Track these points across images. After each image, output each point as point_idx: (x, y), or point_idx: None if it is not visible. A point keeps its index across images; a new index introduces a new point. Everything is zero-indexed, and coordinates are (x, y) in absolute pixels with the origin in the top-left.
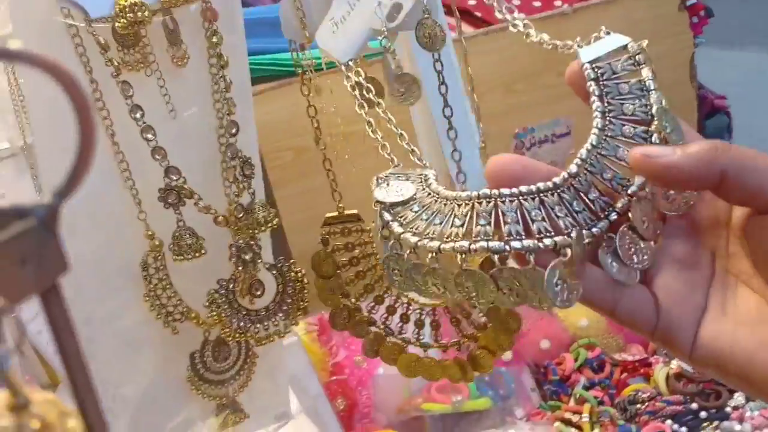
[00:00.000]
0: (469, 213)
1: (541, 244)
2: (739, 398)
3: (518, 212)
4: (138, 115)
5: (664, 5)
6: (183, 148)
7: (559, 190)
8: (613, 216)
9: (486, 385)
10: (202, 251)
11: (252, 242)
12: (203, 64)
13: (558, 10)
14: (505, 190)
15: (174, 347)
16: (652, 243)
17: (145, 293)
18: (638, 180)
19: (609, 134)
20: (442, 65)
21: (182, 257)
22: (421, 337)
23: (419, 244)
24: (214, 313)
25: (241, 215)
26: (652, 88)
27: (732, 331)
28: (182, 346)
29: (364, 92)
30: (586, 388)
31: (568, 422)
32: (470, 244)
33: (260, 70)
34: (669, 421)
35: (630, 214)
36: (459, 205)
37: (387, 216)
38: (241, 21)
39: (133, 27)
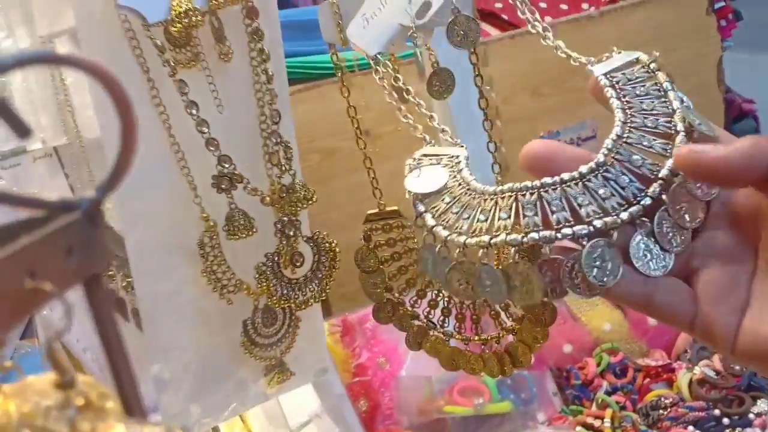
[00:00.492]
0: (493, 209)
1: (559, 234)
2: (762, 405)
3: (538, 205)
4: (194, 111)
5: (691, 8)
6: (231, 136)
7: (584, 180)
8: (647, 201)
9: (508, 389)
10: (254, 230)
11: (294, 218)
12: (245, 58)
13: (585, 13)
14: (528, 183)
15: (228, 317)
16: (688, 228)
17: (203, 269)
18: (669, 164)
19: (632, 125)
20: (477, 57)
21: (236, 236)
22: (462, 331)
23: (449, 238)
24: (263, 284)
25: (284, 195)
26: (669, 88)
27: None
28: (235, 315)
29: (393, 82)
30: (609, 393)
31: (589, 427)
32: (491, 239)
33: (292, 72)
34: (691, 428)
35: (665, 197)
36: (485, 200)
37: (420, 207)
38: (276, 17)
39: (187, 30)
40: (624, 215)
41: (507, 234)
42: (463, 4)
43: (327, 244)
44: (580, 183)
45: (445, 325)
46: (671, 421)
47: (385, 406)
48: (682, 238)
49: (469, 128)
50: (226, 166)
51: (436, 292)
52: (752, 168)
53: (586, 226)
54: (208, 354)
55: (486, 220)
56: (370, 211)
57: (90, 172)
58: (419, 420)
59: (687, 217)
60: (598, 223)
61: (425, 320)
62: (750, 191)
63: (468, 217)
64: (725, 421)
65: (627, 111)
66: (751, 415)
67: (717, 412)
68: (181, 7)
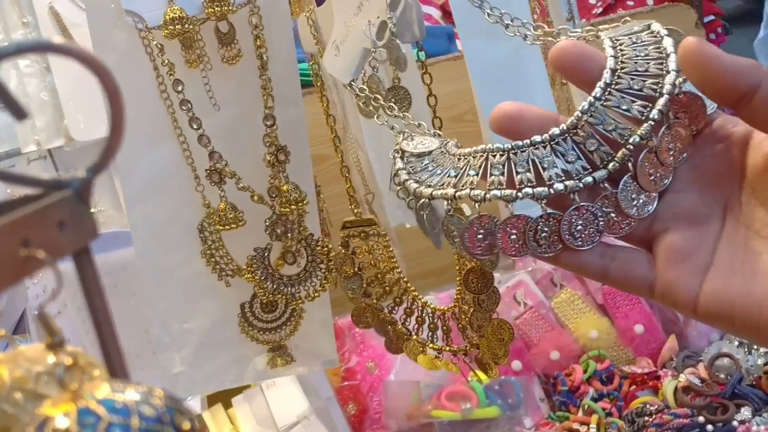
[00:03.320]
0: (465, 167)
1: (519, 194)
2: (746, 413)
3: (505, 165)
4: (186, 108)
5: (681, 21)
6: (232, 135)
7: (553, 142)
8: (615, 165)
9: (495, 394)
10: (242, 222)
11: (284, 218)
12: (248, 63)
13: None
14: (500, 145)
15: (232, 295)
16: (655, 194)
17: (202, 251)
18: (644, 130)
19: (616, 87)
20: (431, 78)
21: (226, 227)
22: (435, 340)
23: (417, 190)
24: (251, 276)
25: (274, 195)
26: (670, 51)
27: (740, 283)
28: (239, 295)
29: (373, 102)
30: (595, 400)
31: None
32: (455, 192)
33: None
34: None
35: (631, 164)
36: (458, 159)
37: (399, 163)
38: (290, 24)
39: (181, 35)
40: (587, 179)
41: (471, 189)
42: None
43: (320, 247)
44: (549, 146)
45: (420, 332)
46: (656, 427)
47: (373, 411)
48: (648, 201)
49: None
50: (216, 161)
51: (411, 299)
52: (744, 78)
53: (546, 188)
54: (211, 325)
55: (456, 176)
56: (346, 219)
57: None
58: (407, 424)
59: (656, 180)
60: (558, 186)
61: (402, 327)
62: (722, 148)
63: (440, 174)
64: (709, 428)
65: (617, 71)
66: (734, 423)
67: (701, 419)
68: (173, 14)
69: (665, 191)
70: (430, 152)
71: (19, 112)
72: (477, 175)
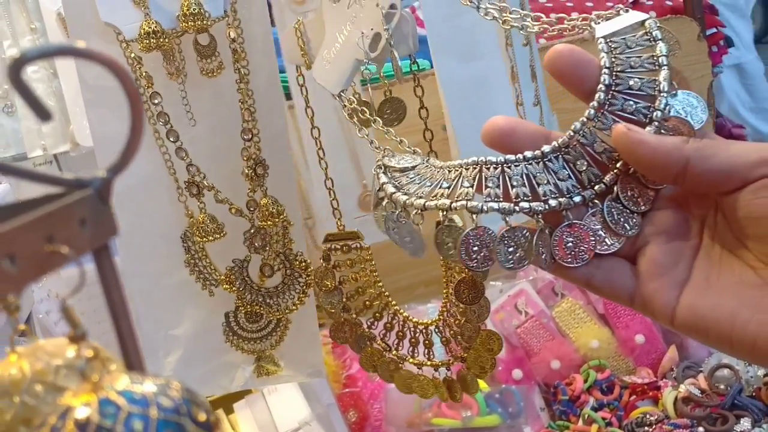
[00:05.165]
0: (457, 178)
1: (517, 207)
2: (745, 424)
3: (500, 178)
4: (163, 120)
5: (683, 34)
6: (210, 148)
7: (545, 159)
8: (601, 187)
9: (496, 402)
10: (223, 233)
11: (262, 231)
12: (227, 76)
13: (579, 36)
14: (492, 158)
15: (217, 304)
16: (639, 213)
17: (185, 260)
18: None
19: (608, 108)
20: (423, 90)
21: (205, 238)
22: (416, 355)
23: (407, 202)
24: (230, 287)
25: (252, 208)
26: (664, 63)
27: (714, 297)
28: (224, 304)
29: (360, 115)
30: (595, 409)
31: None
32: (451, 203)
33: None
34: None
35: (616, 187)
36: (449, 171)
37: (383, 178)
38: (271, 38)
39: (157, 48)
40: (577, 198)
41: (468, 200)
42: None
43: (299, 262)
44: (542, 162)
45: (400, 348)
46: None
47: (374, 418)
48: (633, 221)
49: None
50: (194, 174)
51: (392, 314)
52: (672, 159)
53: (542, 203)
54: (198, 332)
55: (449, 187)
56: (329, 232)
57: None
58: None
59: (639, 202)
60: (553, 202)
61: (381, 342)
62: None
63: (430, 186)
64: None
65: (611, 89)
66: None
67: (701, 430)
68: (148, 27)
69: (649, 208)
70: (413, 167)
71: (43, 114)
72: (472, 186)
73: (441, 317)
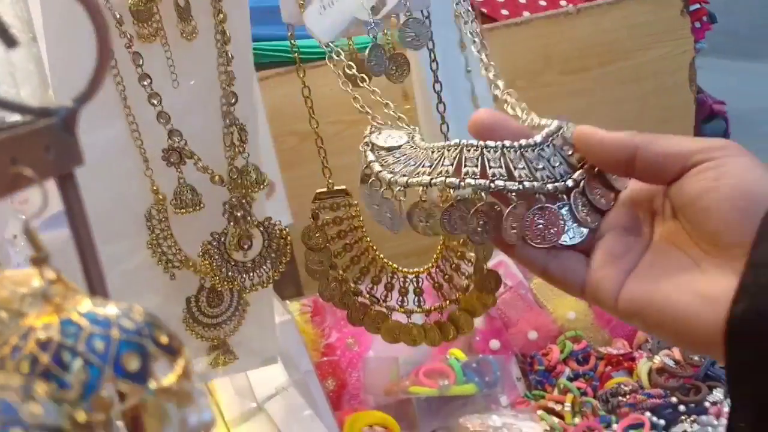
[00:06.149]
0: (439, 158)
1: (492, 185)
2: (717, 394)
3: (479, 159)
4: (146, 83)
5: (666, 9)
6: (189, 114)
7: (522, 150)
8: (570, 182)
9: (473, 372)
10: (201, 205)
11: (244, 200)
12: (211, 39)
13: (563, 9)
14: (473, 142)
15: (173, 291)
16: (602, 210)
17: (148, 241)
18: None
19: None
20: (433, 43)
21: (183, 210)
22: (405, 304)
23: (391, 180)
24: (207, 264)
25: (235, 176)
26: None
27: (652, 283)
28: (181, 291)
29: (346, 70)
30: (571, 379)
31: (550, 411)
32: (431, 180)
33: (269, 55)
34: (648, 414)
35: (583, 184)
36: (432, 152)
37: (371, 156)
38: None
39: (146, 4)
40: (550, 186)
41: (447, 177)
42: (416, 3)
43: (278, 231)
44: (519, 151)
45: (389, 299)
46: (630, 407)
47: (352, 386)
48: (596, 216)
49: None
50: (177, 140)
51: (379, 268)
52: (622, 150)
53: (516, 183)
54: None
55: (431, 166)
56: (319, 190)
57: None
58: (385, 400)
59: (602, 201)
60: (527, 184)
61: (368, 296)
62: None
63: (414, 165)
64: (681, 408)
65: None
66: (706, 404)
67: (674, 399)
68: None
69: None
70: (399, 146)
71: (9, 40)
72: (452, 165)
73: (435, 263)
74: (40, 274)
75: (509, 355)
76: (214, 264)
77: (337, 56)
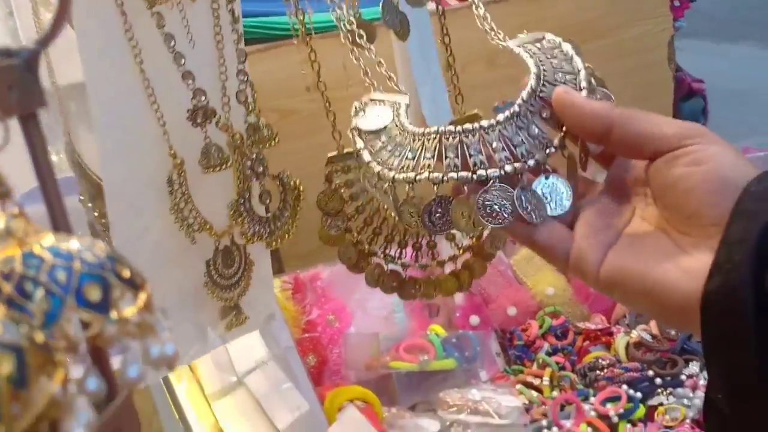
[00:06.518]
0: (420, 149)
1: (475, 176)
2: (693, 367)
3: (459, 148)
4: (171, 44)
5: None
6: (199, 73)
7: (500, 127)
8: (551, 150)
9: (453, 347)
10: (228, 164)
11: (261, 156)
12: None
13: None
14: (450, 128)
15: (189, 258)
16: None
17: (171, 206)
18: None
19: (545, 79)
20: (442, 11)
21: (211, 169)
22: (420, 259)
23: (381, 172)
24: (237, 222)
25: (251, 133)
26: (573, 53)
27: (633, 257)
28: (195, 257)
29: (346, 25)
30: (549, 354)
31: (529, 385)
32: (416, 176)
33: (250, 32)
34: (625, 386)
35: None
36: (414, 140)
37: (360, 143)
38: None
39: None
40: (531, 162)
41: (430, 172)
42: None
43: (292, 183)
44: (497, 129)
45: (403, 256)
46: (607, 380)
47: (332, 362)
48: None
49: (427, 74)
50: (202, 99)
51: (391, 228)
52: (600, 120)
53: (497, 170)
54: (171, 294)
55: (413, 158)
56: (330, 153)
57: (63, 119)
58: (366, 375)
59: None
60: (508, 167)
61: (383, 255)
62: (635, 162)
63: (399, 155)
64: (658, 381)
65: (540, 66)
66: (682, 377)
67: (651, 373)
68: None
69: (588, 193)
70: (385, 127)
71: None
72: (433, 158)
73: None
74: (2, 208)
75: (489, 331)
76: (245, 222)
77: (344, 19)
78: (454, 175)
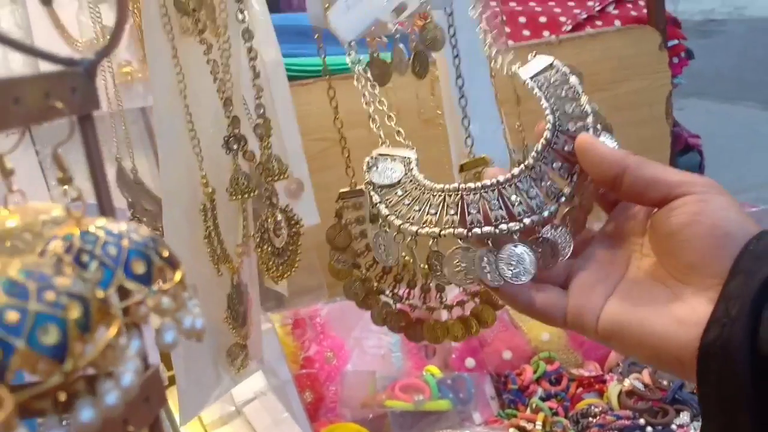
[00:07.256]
0: (441, 204)
1: (497, 230)
2: (684, 417)
3: (480, 203)
4: (215, 72)
5: (645, 43)
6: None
7: (516, 181)
8: (562, 199)
9: (448, 388)
10: (254, 192)
11: (273, 188)
12: (234, 35)
13: (545, 39)
14: (471, 185)
15: (213, 289)
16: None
17: (205, 235)
18: (576, 168)
19: (559, 130)
20: (457, 40)
21: (238, 197)
22: (428, 301)
23: (402, 227)
24: (260, 252)
25: (269, 165)
26: (580, 92)
27: (630, 308)
28: (219, 291)
29: (359, 70)
30: (543, 399)
31: (522, 430)
32: (440, 231)
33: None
34: None
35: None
36: (434, 196)
37: (376, 197)
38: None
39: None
40: (545, 213)
41: (454, 228)
42: (437, 3)
43: (294, 216)
44: (513, 184)
45: (411, 297)
46: (599, 427)
47: (329, 399)
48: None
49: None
50: (237, 127)
51: (401, 267)
52: (615, 164)
53: (518, 223)
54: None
55: (435, 213)
56: (342, 189)
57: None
58: (362, 413)
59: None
60: (527, 220)
61: (391, 294)
62: (632, 212)
63: (419, 210)
64: (649, 430)
65: (556, 112)
66: (673, 426)
67: (642, 421)
68: None
69: (586, 246)
70: (399, 182)
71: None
72: (456, 214)
73: None
74: (65, 192)
75: (484, 374)
76: (266, 253)
77: (358, 62)
78: (478, 230)
